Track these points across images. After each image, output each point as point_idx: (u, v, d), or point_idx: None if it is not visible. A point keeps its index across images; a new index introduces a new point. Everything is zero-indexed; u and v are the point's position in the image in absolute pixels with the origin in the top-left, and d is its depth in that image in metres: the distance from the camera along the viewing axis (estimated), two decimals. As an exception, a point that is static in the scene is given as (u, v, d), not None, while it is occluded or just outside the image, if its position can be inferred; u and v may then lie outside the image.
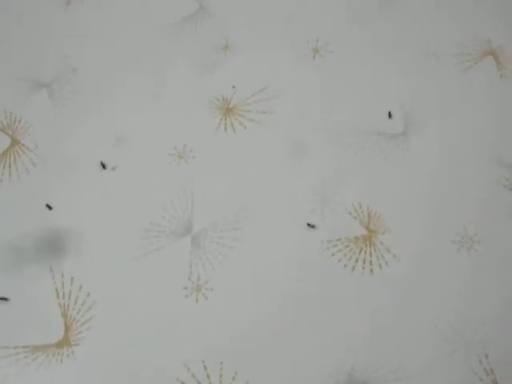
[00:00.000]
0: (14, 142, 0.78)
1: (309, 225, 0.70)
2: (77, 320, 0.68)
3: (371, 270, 0.68)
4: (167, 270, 0.69)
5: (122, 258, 0.70)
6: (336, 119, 0.76)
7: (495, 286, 0.67)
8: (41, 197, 0.74)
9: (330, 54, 0.81)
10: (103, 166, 0.76)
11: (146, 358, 0.65)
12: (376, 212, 0.71)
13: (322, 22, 0.84)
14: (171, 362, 0.65)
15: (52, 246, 0.71)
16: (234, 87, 0.80)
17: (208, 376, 0.64)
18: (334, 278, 0.68)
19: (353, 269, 0.68)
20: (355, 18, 0.83)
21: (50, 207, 0.73)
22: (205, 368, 0.65)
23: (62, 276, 0.70)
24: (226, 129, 0.77)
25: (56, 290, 0.69)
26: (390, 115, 0.76)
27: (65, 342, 0.67)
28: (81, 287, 0.69)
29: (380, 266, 0.68)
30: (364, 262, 0.69)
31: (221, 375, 0.64)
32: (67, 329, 0.67)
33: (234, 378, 0.64)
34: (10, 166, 0.77)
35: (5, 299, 0.69)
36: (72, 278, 0.70)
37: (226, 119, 0.78)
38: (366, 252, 0.69)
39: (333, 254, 0.69)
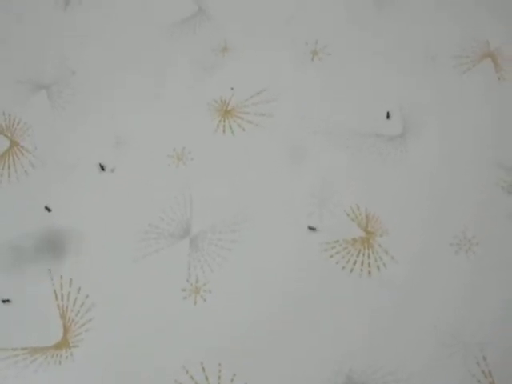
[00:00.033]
0: (13, 143, 0.78)
1: (310, 228, 0.70)
2: (75, 322, 0.68)
3: (369, 272, 0.68)
4: (166, 272, 0.69)
5: (121, 260, 0.70)
6: (334, 121, 0.77)
7: (493, 288, 0.67)
8: (40, 199, 0.74)
9: (329, 57, 0.81)
10: (102, 168, 0.76)
11: (144, 359, 0.66)
12: (374, 214, 0.71)
13: (320, 23, 0.84)
14: (170, 363, 0.65)
15: (51, 248, 0.71)
16: (232, 89, 0.80)
17: (206, 378, 0.65)
18: (332, 280, 0.68)
19: (351, 271, 0.68)
20: (354, 20, 0.83)
21: (48, 209, 0.73)
22: (203, 370, 0.65)
23: (61, 278, 0.70)
24: (224, 131, 0.77)
25: (55, 291, 0.69)
26: (388, 115, 0.76)
27: (63, 344, 0.67)
28: (79, 289, 0.69)
29: (378, 268, 0.68)
30: (362, 264, 0.69)
31: (219, 377, 0.65)
32: (66, 330, 0.67)
33: (232, 380, 0.64)
34: (8, 168, 0.77)
35: (7, 301, 0.69)
36: (71, 280, 0.70)
37: (224, 121, 0.78)
38: (364, 254, 0.69)
39: (331, 256, 0.69)
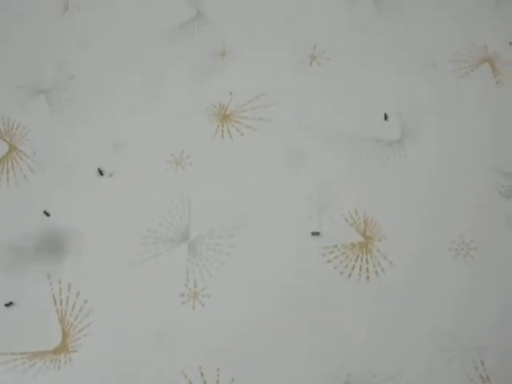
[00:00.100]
0: (12, 148, 0.78)
1: (313, 233, 0.70)
2: (74, 326, 0.68)
3: (368, 277, 0.68)
4: (164, 277, 0.69)
5: (120, 265, 0.70)
6: (333, 126, 0.77)
7: (492, 292, 0.67)
8: (39, 203, 0.74)
9: (327, 61, 0.81)
10: (100, 173, 0.76)
11: (143, 364, 0.66)
12: (372, 219, 0.71)
13: (319, 28, 0.84)
14: (168, 368, 0.65)
15: (50, 252, 0.71)
16: (231, 94, 0.80)
17: (205, 382, 0.65)
18: (331, 285, 0.68)
19: (349, 276, 0.68)
20: (352, 25, 0.84)
21: (47, 214, 0.73)
22: (202, 374, 0.65)
23: (60, 282, 0.70)
24: (222, 135, 0.77)
25: (53, 296, 0.69)
26: (385, 117, 0.76)
27: (62, 349, 0.67)
28: (78, 294, 0.69)
29: (376, 272, 0.68)
30: (360, 269, 0.69)
31: (218, 381, 0.65)
32: (65, 335, 0.67)
33: (230, 385, 0.65)
34: (7, 172, 0.77)
35: (10, 304, 0.69)
36: (69, 285, 0.70)
37: (222, 126, 0.78)
38: (362, 259, 0.69)
39: (329, 261, 0.69)
